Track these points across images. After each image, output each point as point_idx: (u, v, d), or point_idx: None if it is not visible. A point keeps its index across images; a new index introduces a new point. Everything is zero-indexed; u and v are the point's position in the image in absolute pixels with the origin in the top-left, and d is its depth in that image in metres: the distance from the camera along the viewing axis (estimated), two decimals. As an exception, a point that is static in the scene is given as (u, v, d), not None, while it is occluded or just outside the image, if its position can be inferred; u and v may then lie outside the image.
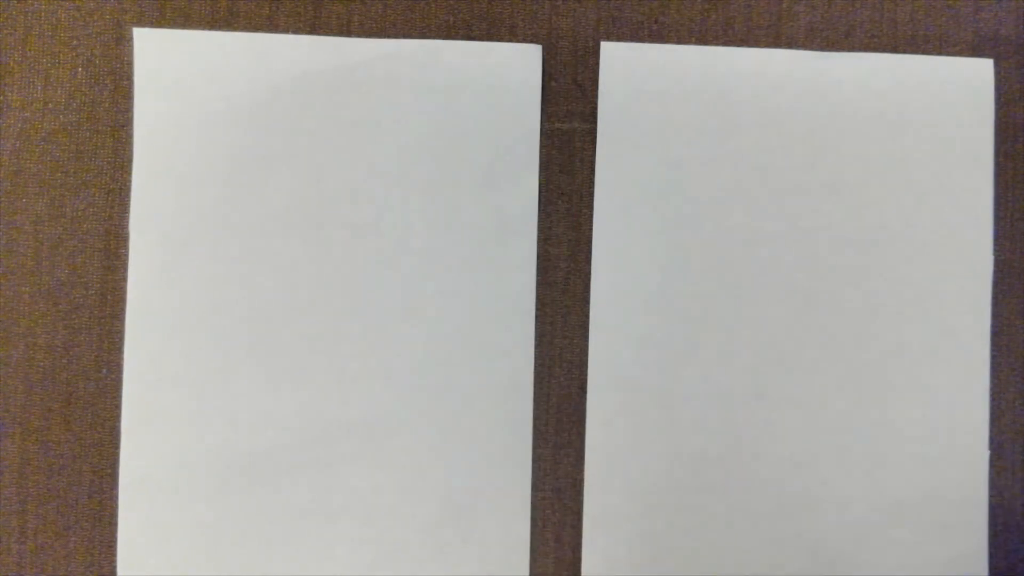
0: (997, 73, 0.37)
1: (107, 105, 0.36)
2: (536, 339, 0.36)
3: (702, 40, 0.37)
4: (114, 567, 0.35)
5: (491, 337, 0.36)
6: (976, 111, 0.37)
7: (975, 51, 0.37)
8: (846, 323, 0.36)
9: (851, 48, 0.37)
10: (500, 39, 0.36)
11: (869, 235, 0.36)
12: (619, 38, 0.37)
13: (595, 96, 0.36)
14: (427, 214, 0.36)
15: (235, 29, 0.36)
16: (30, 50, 0.36)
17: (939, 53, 0.37)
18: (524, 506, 0.35)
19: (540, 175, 0.36)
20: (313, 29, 0.36)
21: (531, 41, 0.37)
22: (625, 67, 0.36)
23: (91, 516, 0.35)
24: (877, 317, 0.36)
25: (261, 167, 0.36)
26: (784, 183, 0.36)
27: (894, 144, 0.36)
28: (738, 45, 0.37)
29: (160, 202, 0.36)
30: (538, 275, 0.36)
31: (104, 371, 0.36)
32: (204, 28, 0.36)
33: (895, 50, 0.37)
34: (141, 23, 0.36)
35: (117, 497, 0.35)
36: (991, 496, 0.36)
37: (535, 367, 0.36)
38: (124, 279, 0.36)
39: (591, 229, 0.36)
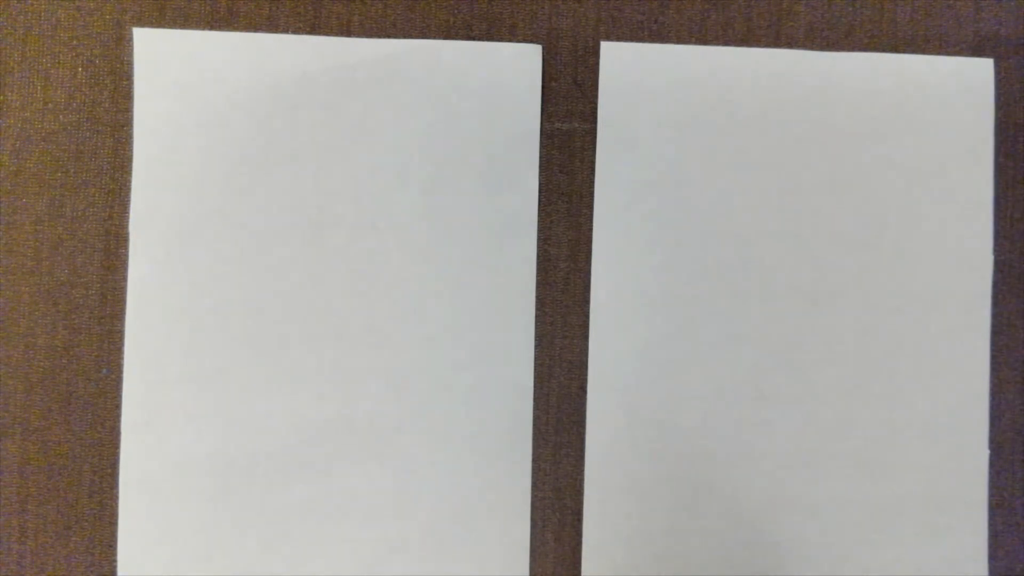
0: (997, 73, 0.37)
1: (107, 105, 0.36)
2: (536, 339, 0.36)
3: (702, 40, 0.37)
4: (114, 567, 0.35)
5: (491, 337, 0.36)
6: (976, 111, 0.37)
7: (975, 51, 0.37)
8: (846, 323, 0.36)
9: (851, 48, 0.37)
10: (500, 39, 0.36)
11: (869, 235, 0.36)
12: (619, 38, 0.37)
13: (595, 96, 0.36)
14: (427, 214, 0.36)
15: (235, 29, 0.36)
16: (30, 50, 0.36)
17: (939, 53, 0.37)
18: (524, 506, 0.35)
19: (540, 175, 0.36)
20: (313, 29, 0.36)
21: (531, 41, 0.37)
22: (625, 67, 0.36)
23: (91, 516, 0.35)
24: (877, 317, 0.36)
25: (261, 167, 0.36)
26: (784, 183, 0.36)
27: (894, 144, 0.36)
28: (738, 45, 0.37)
29: (160, 202, 0.36)
30: (538, 275, 0.36)
31: (104, 371, 0.36)
32: (204, 28, 0.36)
33: (895, 50, 0.37)
34: (141, 23, 0.36)
35: (117, 497, 0.35)
36: (991, 496, 0.36)
37: (535, 367, 0.36)
38: (124, 279, 0.36)
39: (591, 229, 0.36)
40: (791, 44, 0.37)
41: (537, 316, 0.36)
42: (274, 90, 0.36)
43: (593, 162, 0.36)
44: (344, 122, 0.36)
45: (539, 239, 0.36)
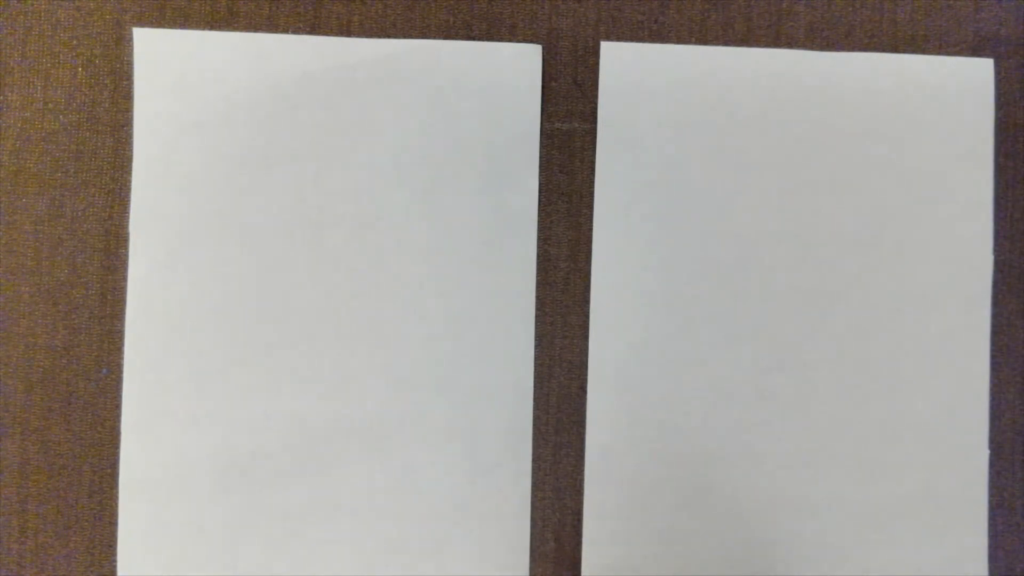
0: (997, 73, 0.37)
1: (107, 105, 0.36)
2: (536, 339, 0.36)
3: (702, 40, 0.37)
4: (114, 567, 0.35)
5: (491, 337, 0.36)
6: (976, 111, 0.37)
7: (975, 51, 0.37)
8: (846, 323, 0.36)
9: (851, 48, 0.37)
10: (500, 39, 0.36)
11: (869, 235, 0.36)
12: (619, 38, 0.37)
13: (595, 96, 0.36)
14: (427, 214, 0.36)
15: (235, 29, 0.36)
16: (30, 50, 0.36)
17: (939, 53, 0.37)
18: (524, 506, 0.35)
19: (540, 175, 0.36)
20: (313, 29, 0.36)
21: (531, 41, 0.37)
22: (625, 67, 0.36)
23: (91, 516, 0.35)
24: (877, 317, 0.36)
25: (261, 167, 0.36)
26: (784, 183, 0.36)
27: (894, 144, 0.36)
28: (738, 45, 0.37)
29: (160, 202, 0.36)
30: (538, 275, 0.36)
31: (104, 371, 0.36)
32: (204, 28, 0.36)
33: (895, 50, 0.37)
34: (141, 23, 0.36)
35: (117, 497, 0.35)
36: (991, 496, 0.36)
37: (535, 367, 0.36)
38: (124, 279, 0.36)
39: (591, 229, 0.36)
40: (791, 44, 0.37)
41: (537, 316, 0.36)
42: (274, 90, 0.36)
43: (593, 162, 0.36)
44: (344, 122, 0.36)
45: (539, 239, 0.36)
